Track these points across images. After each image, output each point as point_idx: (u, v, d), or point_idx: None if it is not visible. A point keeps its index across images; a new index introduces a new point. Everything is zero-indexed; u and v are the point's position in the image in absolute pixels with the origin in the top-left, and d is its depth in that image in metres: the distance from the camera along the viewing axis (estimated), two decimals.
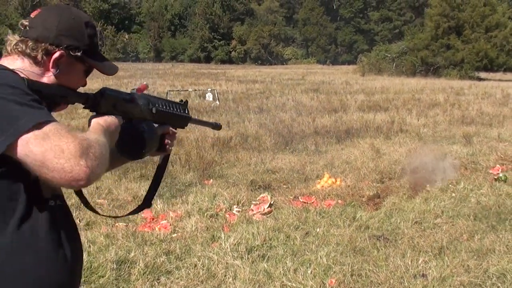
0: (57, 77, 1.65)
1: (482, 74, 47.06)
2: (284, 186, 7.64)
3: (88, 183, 1.40)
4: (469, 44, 47.04)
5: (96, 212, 2.07)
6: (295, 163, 9.03)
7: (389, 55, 51.16)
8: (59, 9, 1.70)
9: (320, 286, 4.37)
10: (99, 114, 1.71)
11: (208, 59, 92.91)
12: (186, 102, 2.23)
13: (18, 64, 1.62)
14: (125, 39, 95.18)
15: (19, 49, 1.62)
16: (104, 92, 1.71)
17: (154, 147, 1.94)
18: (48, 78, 1.64)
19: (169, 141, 2.06)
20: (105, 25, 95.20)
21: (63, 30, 1.64)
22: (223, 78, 37.13)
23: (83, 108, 1.72)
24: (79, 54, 1.67)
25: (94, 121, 1.68)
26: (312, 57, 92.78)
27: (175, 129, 2.11)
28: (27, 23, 1.65)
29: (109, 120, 1.70)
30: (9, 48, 1.65)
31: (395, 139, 11.70)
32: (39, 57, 1.61)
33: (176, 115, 2.10)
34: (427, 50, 48.35)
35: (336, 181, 7.70)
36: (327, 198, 6.99)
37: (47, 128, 1.37)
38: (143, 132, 1.82)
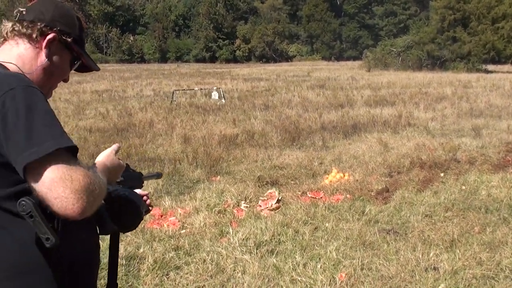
0: (47, 65, 1.71)
1: (490, 67, 46.79)
2: (292, 181, 7.59)
3: (79, 218, 1.40)
4: (476, 36, 46.77)
5: None
6: (303, 158, 8.98)
7: (394, 50, 50.91)
8: (54, 1, 1.79)
9: (330, 281, 4.33)
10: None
11: (213, 59, 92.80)
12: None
13: (14, 51, 1.69)
14: (130, 41, 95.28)
15: (16, 30, 1.69)
16: None
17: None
18: (41, 61, 1.69)
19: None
20: (110, 27, 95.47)
21: (58, 16, 1.74)
22: (228, 76, 37.09)
23: None
24: (69, 39, 1.75)
25: (99, 162, 1.77)
26: (317, 54, 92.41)
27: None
28: (23, 9, 1.74)
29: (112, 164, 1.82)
30: (4, 32, 1.72)
31: (403, 133, 11.63)
32: (34, 35, 1.68)
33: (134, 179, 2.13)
34: (433, 43, 48.16)
35: (344, 175, 7.64)
36: (336, 193, 6.94)
37: (66, 156, 1.40)
38: (141, 212, 1.86)
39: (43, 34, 1.69)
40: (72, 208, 1.36)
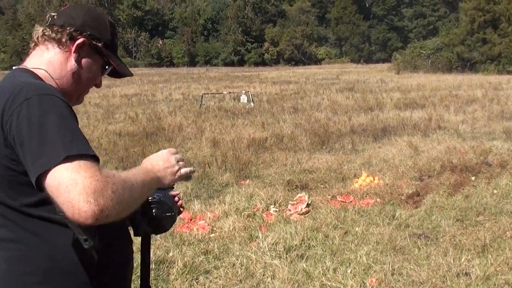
0: (77, 70, 1.70)
1: None
2: (322, 185, 7.57)
3: (96, 223, 1.33)
4: (506, 37, 45.94)
5: None
6: (332, 162, 8.94)
7: (424, 52, 50.34)
8: (86, 6, 1.86)
9: (361, 286, 4.31)
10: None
11: (241, 62, 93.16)
12: None
13: (45, 56, 1.69)
14: (159, 45, 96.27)
15: (46, 35, 1.69)
16: None
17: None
18: (71, 66, 1.68)
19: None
20: (139, 31, 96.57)
21: (88, 20, 1.73)
22: (257, 80, 37.17)
23: None
24: (100, 44, 1.73)
25: (145, 161, 1.72)
26: (346, 56, 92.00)
27: None
28: (55, 14, 1.75)
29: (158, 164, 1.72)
30: (35, 37, 1.72)
31: (433, 136, 11.49)
32: (63, 40, 1.67)
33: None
34: (462, 45, 47.48)
35: (374, 179, 7.59)
36: (366, 197, 6.90)
37: (79, 160, 1.36)
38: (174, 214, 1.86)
39: (72, 39, 1.68)
40: (79, 212, 1.30)
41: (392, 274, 4.52)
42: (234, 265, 4.73)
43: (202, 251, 5.06)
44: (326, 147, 10.60)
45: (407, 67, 48.42)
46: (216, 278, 4.51)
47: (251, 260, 4.82)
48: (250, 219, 6.07)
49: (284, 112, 16.39)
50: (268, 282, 4.42)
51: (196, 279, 4.51)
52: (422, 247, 5.14)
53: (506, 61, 45.11)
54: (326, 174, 8.17)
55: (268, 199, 6.71)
